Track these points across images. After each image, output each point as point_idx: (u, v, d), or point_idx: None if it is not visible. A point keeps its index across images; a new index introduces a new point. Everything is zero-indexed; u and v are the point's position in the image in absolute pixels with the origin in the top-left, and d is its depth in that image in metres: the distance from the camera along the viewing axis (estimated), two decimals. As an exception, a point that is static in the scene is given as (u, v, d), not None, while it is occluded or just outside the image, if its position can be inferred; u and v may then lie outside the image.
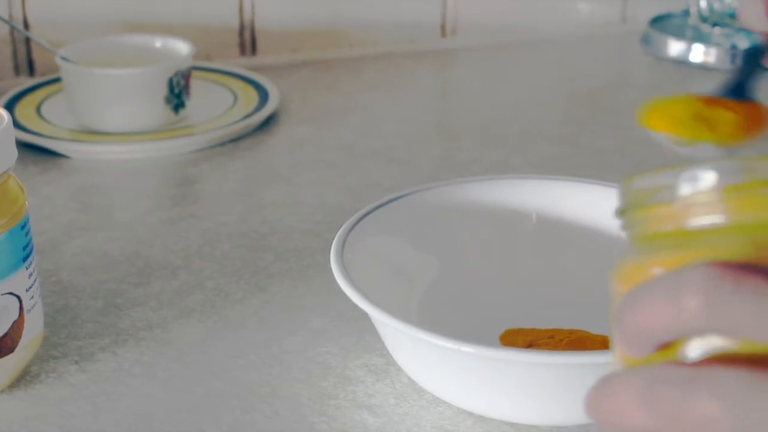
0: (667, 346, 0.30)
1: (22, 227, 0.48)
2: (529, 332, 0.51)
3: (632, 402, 0.29)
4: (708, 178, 0.30)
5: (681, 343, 0.29)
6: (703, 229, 0.30)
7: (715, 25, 0.98)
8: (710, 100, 0.47)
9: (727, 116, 0.47)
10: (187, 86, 0.80)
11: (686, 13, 1.02)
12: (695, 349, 0.29)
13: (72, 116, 0.80)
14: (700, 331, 0.29)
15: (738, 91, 0.48)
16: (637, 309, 0.30)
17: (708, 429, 0.28)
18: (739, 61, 0.93)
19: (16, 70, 0.90)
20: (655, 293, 0.29)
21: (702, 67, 0.95)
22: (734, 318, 0.28)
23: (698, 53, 0.95)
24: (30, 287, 0.49)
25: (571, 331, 0.51)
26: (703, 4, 0.98)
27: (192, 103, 0.81)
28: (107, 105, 0.78)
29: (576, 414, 0.46)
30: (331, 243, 0.51)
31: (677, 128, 0.46)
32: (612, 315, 0.31)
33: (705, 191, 0.30)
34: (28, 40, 0.90)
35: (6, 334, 0.48)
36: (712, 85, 0.93)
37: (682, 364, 0.29)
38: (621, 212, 0.33)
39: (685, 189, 0.31)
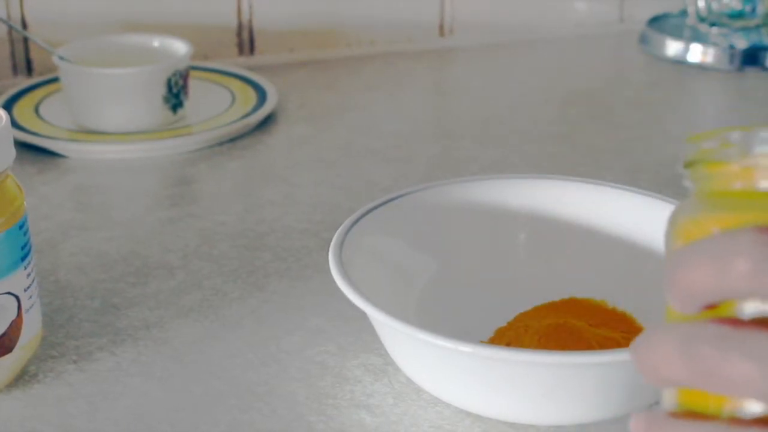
0: (714, 307, 0.30)
1: (21, 227, 0.48)
2: (507, 329, 0.51)
3: (671, 356, 0.30)
4: None
5: (731, 304, 0.30)
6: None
7: (712, 25, 0.98)
8: None
9: None
10: (185, 86, 0.80)
11: (684, 13, 1.02)
12: (747, 312, 0.29)
13: (70, 116, 0.80)
14: (744, 295, 0.29)
15: None
16: (685, 267, 0.30)
17: (740, 388, 0.29)
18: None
19: (14, 70, 0.90)
20: (704, 254, 0.30)
21: (700, 67, 0.95)
22: None
23: (696, 53, 0.96)
24: (28, 287, 0.49)
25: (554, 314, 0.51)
26: (701, 4, 0.98)
27: (190, 102, 0.81)
28: (105, 105, 0.78)
29: (574, 413, 0.46)
30: (329, 242, 0.51)
31: None
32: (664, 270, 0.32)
33: None
34: (26, 40, 0.90)
35: (4, 334, 0.48)
36: (709, 85, 0.94)
37: (722, 322, 0.29)
38: (687, 165, 0.33)
39: (756, 149, 0.31)
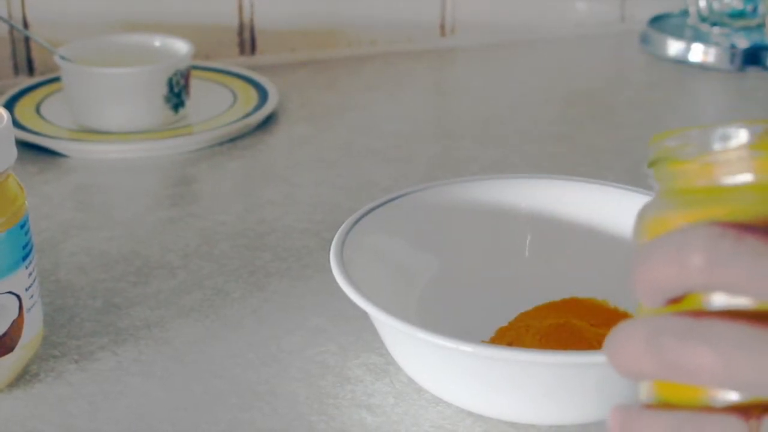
0: (680, 300, 0.31)
1: (22, 226, 0.48)
2: (508, 329, 0.51)
3: (639, 350, 0.30)
4: (738, 136, 0.31)
5: (696, 297, 0.30)
6: (730, 187, 0.31)
7: (714, 24, 0.98)
8: None
9: None
10: (186, 85, 0.80)
11: (685, 12, 1.02)
12: (710, 304, 0.30)
13: (71, 115, 0.80)
14: (703, 289, 0.30)
15: None
16: (647, 263, 0.31)
17: (704, 377, 0.29)
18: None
19: (16, 70, 0.90)
20: (663, 249, 0.30)
21: (701, 67, 0.95)
22: (733, 276, 0.29)
23: (697, 53, 0.96)
24: (29, 286, 0.49)
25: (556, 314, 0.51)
26: (702, 3, 0.98)
27: (191, 102, 0.81)
28: (106, 104, 0.78)
29: (575, 413, 0.46)
30: (330, 242, 0.51)
31: None
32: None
33: (733, 149, 0.31)
34: (27, 40, 0.90)
35: (5, 334, 0.48)
36: (710, 85, 0.94)
37: (685, 314, 0.30)
38: (651, 164, 0.33)
39: (715, 146, 0.31)
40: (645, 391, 0.32)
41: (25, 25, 0.89)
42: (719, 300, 0.30)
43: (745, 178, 0.31)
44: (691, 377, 0.29)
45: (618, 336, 0.31)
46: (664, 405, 0.31)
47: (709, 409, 0.30)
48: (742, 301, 0.30)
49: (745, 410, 0.29)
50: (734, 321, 0.29)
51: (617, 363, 0.31)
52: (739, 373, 0.29)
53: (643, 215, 0.33)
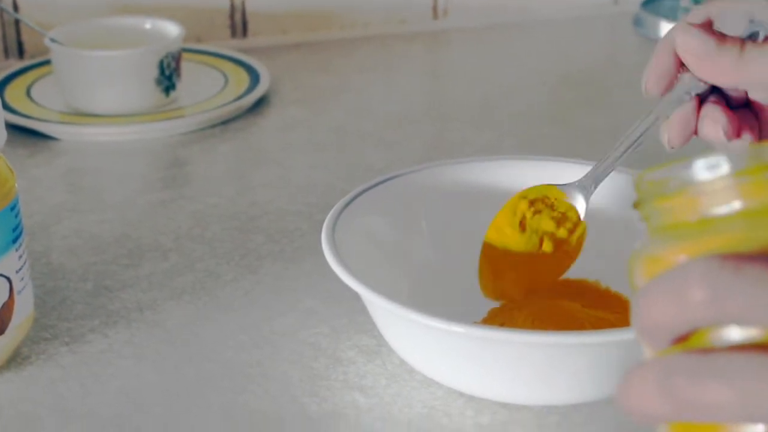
0: (686, 338, 0.30)
1: (12, 209, 0.48)
2: (500, 310, 0.51)
3: (651, 392, 0.30)
4: (721, 165, 0.30)
5: (702, 334, 0.30)
6: (721, 217, 0.30)
7: (707, 6, 0.98)
8: None
9: None
10: (177, 68, 0.80)
11: (678, -6, 1.01)
12: (718, 338, 0.29)
13: (62, 98, 0.80)
14: (708, 323, 0.29)
15: None
16: (646, 306, 0.30)
17: (720, 413, 0.28)
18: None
19: (6, 53, 0.90)
20: (661, 290, 0.30)
21: (694, 49, 0.95)
22: (738, 307, 0.28)
23: (690, 35, 0.95)
24: (20, 269, 0.49)
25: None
26: (695, -15, 0.98)
27: (182, 85, 0.81)
28: (97, 87, 0.78)
29: (567, 393, 0.46)
30: (322, 224, 0.51)
31: None
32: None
33: (718, 178, 0.30)
34: (17, 22, 0.89)
35: (-4, 316, 0.48)
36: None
37: (694, 352, 0.29)
38: (637, 204, 0.33)
39: (699, 177, 0.31)
40: None
41: (16, 8, 0.89)
42: (726, 333, 0.29)
43: (735, 206, 0.30)
44: (709, 414, 0.29)
45: (629, 381, 0.31)
46: None
47: None
48: (749, 333, 0.29)
49: None
50: (745, 353, 0.28)
51: (631, 408, 0.31)
52: (757, 405, 0.28)
53: (635, 257, 0.33)
